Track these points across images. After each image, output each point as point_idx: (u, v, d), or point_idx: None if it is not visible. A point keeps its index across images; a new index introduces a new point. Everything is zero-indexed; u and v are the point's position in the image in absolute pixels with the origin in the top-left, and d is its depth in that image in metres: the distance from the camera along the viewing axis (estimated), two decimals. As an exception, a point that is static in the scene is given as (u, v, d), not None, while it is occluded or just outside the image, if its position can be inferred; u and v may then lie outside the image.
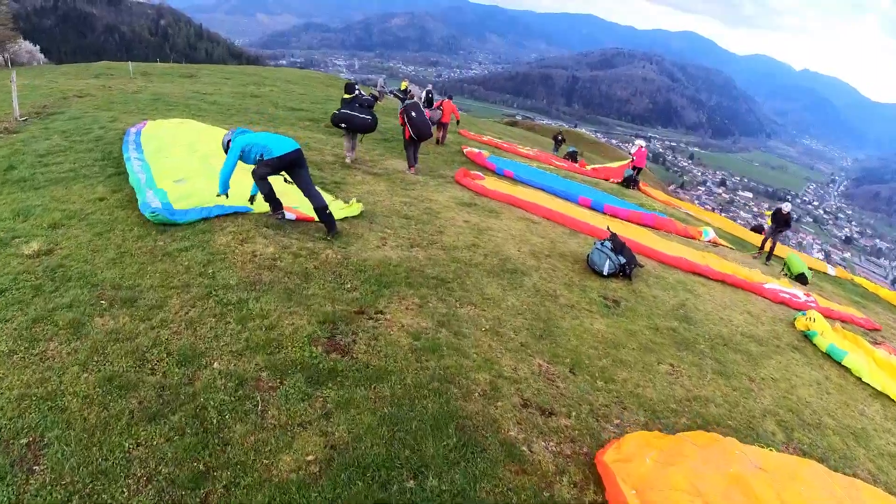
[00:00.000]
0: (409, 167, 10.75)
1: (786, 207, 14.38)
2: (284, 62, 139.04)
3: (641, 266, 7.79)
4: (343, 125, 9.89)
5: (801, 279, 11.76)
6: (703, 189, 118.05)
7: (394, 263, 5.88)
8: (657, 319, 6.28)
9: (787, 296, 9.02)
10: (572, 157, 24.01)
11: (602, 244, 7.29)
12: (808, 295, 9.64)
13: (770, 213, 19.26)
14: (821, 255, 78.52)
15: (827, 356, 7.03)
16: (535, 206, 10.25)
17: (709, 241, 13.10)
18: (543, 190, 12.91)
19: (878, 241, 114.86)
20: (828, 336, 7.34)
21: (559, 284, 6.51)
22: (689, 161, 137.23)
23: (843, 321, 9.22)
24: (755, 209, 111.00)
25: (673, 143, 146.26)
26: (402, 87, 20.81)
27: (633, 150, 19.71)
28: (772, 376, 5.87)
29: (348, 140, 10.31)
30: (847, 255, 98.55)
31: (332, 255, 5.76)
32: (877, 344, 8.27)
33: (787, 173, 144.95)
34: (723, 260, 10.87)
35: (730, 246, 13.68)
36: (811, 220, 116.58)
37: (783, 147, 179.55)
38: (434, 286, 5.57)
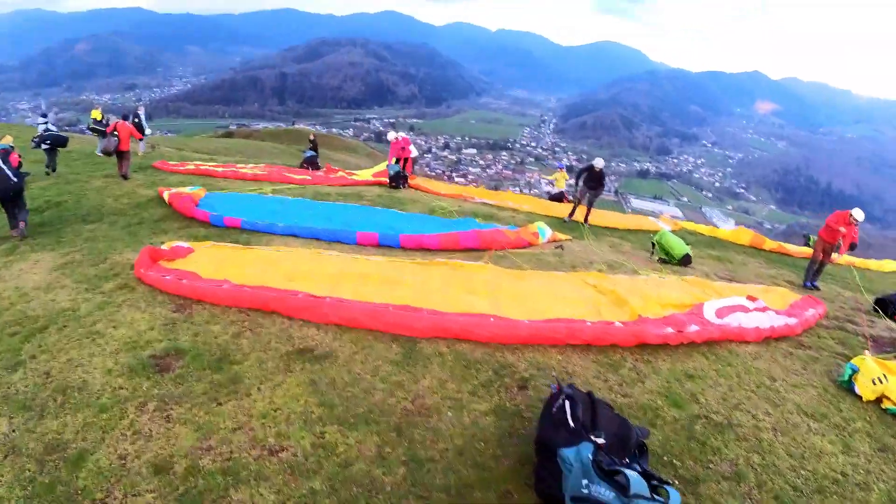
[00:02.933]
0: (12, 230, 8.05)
1: (598, 164, 12.04)
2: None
3: (645, 434, 3.44)
4: None
5: (685, 261, 9.14)
6: (430, 156, 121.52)
7: None
8: None
9: (764, 326, 5.84)
10: (312, 163, 18.76)
11: (584, 460, 2.63)
12: (751, 300, 6.71)
13: (560, 174, 17.39)
14: (550, 189, 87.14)
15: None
16: (299, 303, 5.40)
17: (550, 243, 9.94)
18: (295, 235, 8.50)
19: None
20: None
21: None
22: (411, 133, 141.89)
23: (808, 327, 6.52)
24: (481, 162, 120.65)
25: (392, 120, 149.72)
26: (96, 118, 15.72)
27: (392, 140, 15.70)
28: None
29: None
30: (571, 181, 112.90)
31: None
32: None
33: (503, 124, 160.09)
34: (624, 280, 7.35)
35: (567, 237, 10.64)
36: (532, 159, 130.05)
37: (494, 102, 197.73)
38: None
